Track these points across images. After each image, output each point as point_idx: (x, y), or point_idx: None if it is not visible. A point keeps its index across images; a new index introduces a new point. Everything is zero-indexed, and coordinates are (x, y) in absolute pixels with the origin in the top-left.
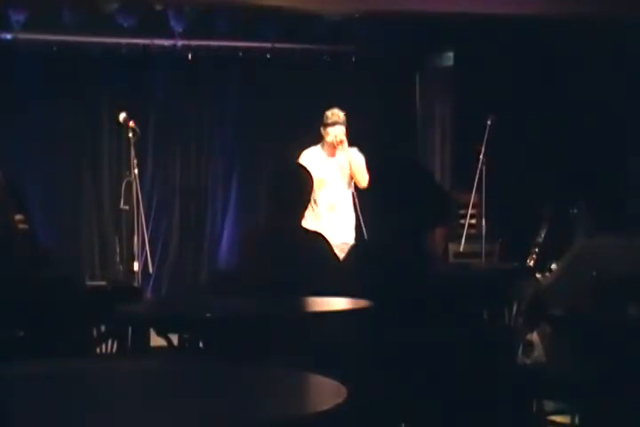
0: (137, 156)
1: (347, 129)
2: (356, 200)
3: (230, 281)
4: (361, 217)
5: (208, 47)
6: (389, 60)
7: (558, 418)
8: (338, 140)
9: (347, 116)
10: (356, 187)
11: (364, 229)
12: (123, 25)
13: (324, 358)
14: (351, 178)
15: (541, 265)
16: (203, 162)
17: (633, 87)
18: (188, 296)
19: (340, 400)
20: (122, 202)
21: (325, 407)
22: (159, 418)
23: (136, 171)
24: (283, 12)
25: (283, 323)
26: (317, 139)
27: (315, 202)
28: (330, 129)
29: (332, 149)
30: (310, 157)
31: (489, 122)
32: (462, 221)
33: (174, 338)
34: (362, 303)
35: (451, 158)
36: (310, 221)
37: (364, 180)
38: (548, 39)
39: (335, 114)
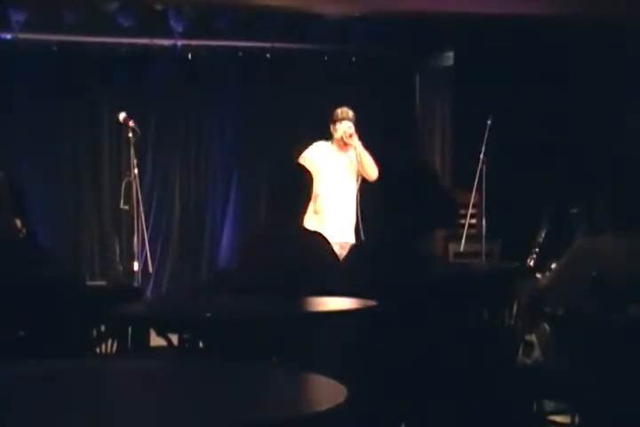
0: (137, 156)
1: (355, 127)
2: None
3: (230, 281)
4: (360, 215)
5: (208, 47)
6: (389, 60)
7: (558, 418)
8: (347, 134)
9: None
10: (361, 184)
11: (361, 227)
12: (123, 25)
13: (324, 358)
14: (358, 173)
15: (541, 265)
16: (203, 162)
17: (633, 87)
18: (188, 296)
19: (340, 400)
20: (122, 202)
21: (325, 407)
22: (159, 418)
23: (136, 171)
24: (283, 12)
25: (283, 323)
26: (319, 137)
27: (321, 197)
28: (339, 125)
29: (342, 145)
30: (318, 151)
31: (489, 122)
32: (462, 221)
33: (174, 338)
34: (362, 303)
35: (451, 158)
36: (314, 218)
37: (373, 172)
38: (548, 39)
39: (344, 111)
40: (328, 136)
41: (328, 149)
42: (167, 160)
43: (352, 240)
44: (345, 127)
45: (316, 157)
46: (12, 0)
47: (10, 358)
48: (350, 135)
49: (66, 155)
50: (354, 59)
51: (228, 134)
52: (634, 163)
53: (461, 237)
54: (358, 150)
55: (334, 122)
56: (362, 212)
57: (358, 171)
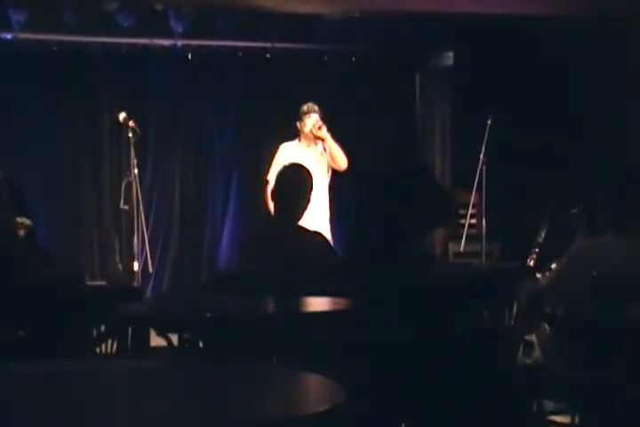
0: (137, 156)
1: (322, 120)
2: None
3: (230, 281)
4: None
5: (208, 47)
6: (389, 60)
7: (558, 418)
8: (317, 126)
9: (334, 113)
10: (333, 176)
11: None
12: (123, 25)
13: (324, 358)
14: (329, 166)
15: (541, 265)
16: (203, 162)
17: (633, 87)
18: (188, 296)
19: (339, 400)
20: (122, 202)
21: (325, 408)
22: (159, 418)
23: (136, 171)
24: (283, 12)
25: (283, 323)
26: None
27: None
28: (307, 119)
29: (310, 139)
30: (287, 151)
31: (489, 122)
32: (462, 221)
33: (174, 338)
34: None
35: (451, 158)
36: None
37: (343, 162)
38: (548, 39)
39: (309, 106)
40: (295, 133)
41: (295, 147)
42: (167, 160)
43: (327, 233)
44: (313, 120)
45: (286, 158)
46: (12, 0)
47: (10, 358)
48: (319, 127)
49: (66, 155)
50: (354, 59)
51: (227, 134)
52: (634, 163)
53: (461, 237)
54: (328, 142)
55: (301, 117)
56: (332, 204)
57: (328, 163)
